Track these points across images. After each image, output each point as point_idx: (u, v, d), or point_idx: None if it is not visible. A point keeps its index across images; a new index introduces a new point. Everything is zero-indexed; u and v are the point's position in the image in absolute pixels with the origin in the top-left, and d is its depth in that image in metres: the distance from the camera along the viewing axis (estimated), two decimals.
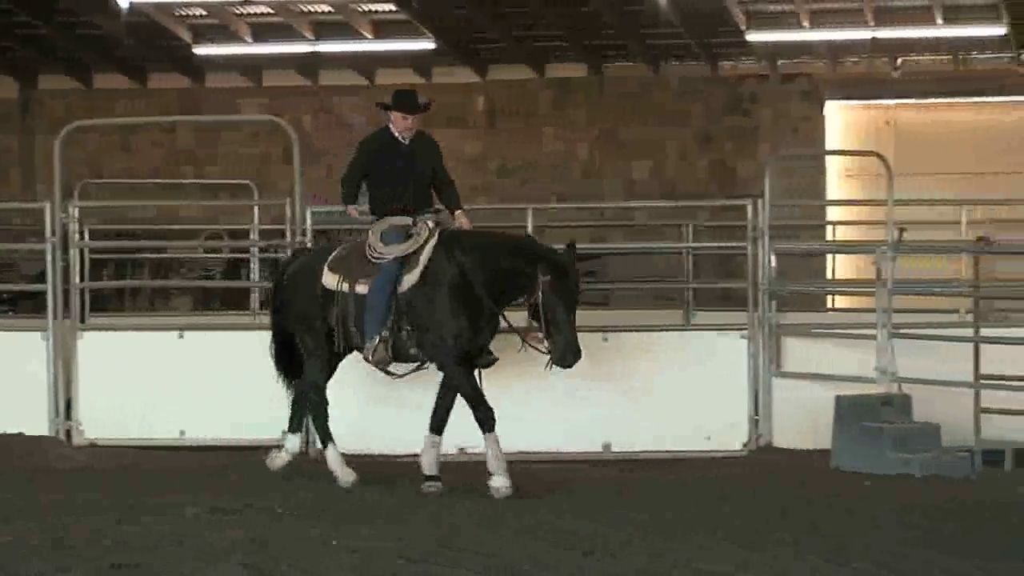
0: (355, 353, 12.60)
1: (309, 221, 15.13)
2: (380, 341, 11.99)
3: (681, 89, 26.79)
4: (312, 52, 26.56)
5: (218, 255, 25.59)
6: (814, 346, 15.16)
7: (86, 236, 17.09)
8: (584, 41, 26.07)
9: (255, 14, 25.45)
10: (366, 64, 27.45)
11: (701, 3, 23.64)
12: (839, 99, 26.18)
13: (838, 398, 13.91)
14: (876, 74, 25.96)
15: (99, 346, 15.26)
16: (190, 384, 14.83)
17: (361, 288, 12.10)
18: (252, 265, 20.41)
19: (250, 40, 26.15)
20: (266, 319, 17.72)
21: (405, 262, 12.00)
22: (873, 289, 14.75)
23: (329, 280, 12.34)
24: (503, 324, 12.05)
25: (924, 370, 13.97)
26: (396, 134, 12.40)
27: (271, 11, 25.08)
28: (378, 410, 14.34)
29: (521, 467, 12.59)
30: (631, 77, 26.93)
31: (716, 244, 20.97)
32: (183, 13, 25.53)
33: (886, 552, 9.42)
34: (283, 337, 12.97)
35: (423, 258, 11.94)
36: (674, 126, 26.68)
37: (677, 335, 15.71)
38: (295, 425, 12.76)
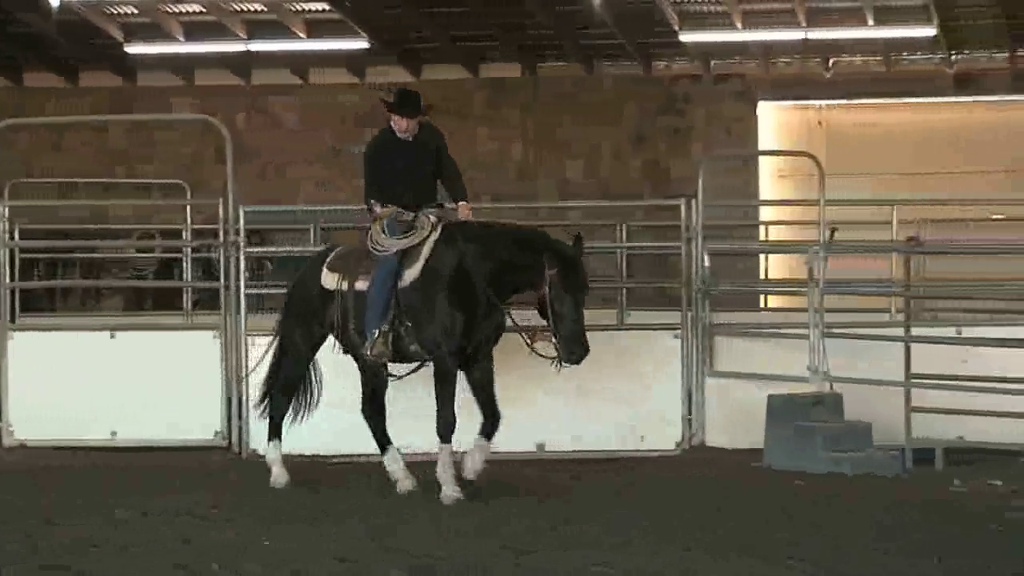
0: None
1: (242, 221, 15.04)
2: (380, 335, 11.71)
3: (615, 89, 26.85)
4: (245, 51, 26.43)
5: (150, 255, 25.46)
6: (747, 345, 15.22)
7: (16, 236, 16.97)
8: (518, 41, 26.07)
9: (187, 12, 25.31)
10: (299, 63, 27.37)
11: (634, 3, 23.69)
12: (772, 99, 26.30)
13: (770, 397, 13.98)
14: (808, 75, 26.10)
15: (29, 346, 15.14)
16: (122, 385, 14.72)
17: (361, 285, 11.88)
18: (184, 265, 20.32)
19: (182, 39, 26.01)
20: (199, 319, 17.73)
21: (406, 256, 11.77)
22: (805, 289, 14.82)
23: (328, 280, 12.13)
24: (510, 323, 11.91)
25: (855, 369, 14.06)
26: (397, 133, 12.18)
27: (203, 9, 24.96)
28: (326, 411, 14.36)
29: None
30: (565, 77, 26.96)
31: (650, 244, 21.06)
32: (115, 11, 25.36)
33: (884, 560, 9.41)
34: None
35: (424, 252, 11.73)
36: (608, 126, 26.72)
37: (611, 334, 15.70)
38: (384, 443, 12.37)
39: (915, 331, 14.21)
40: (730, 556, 9.44)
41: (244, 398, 14.47)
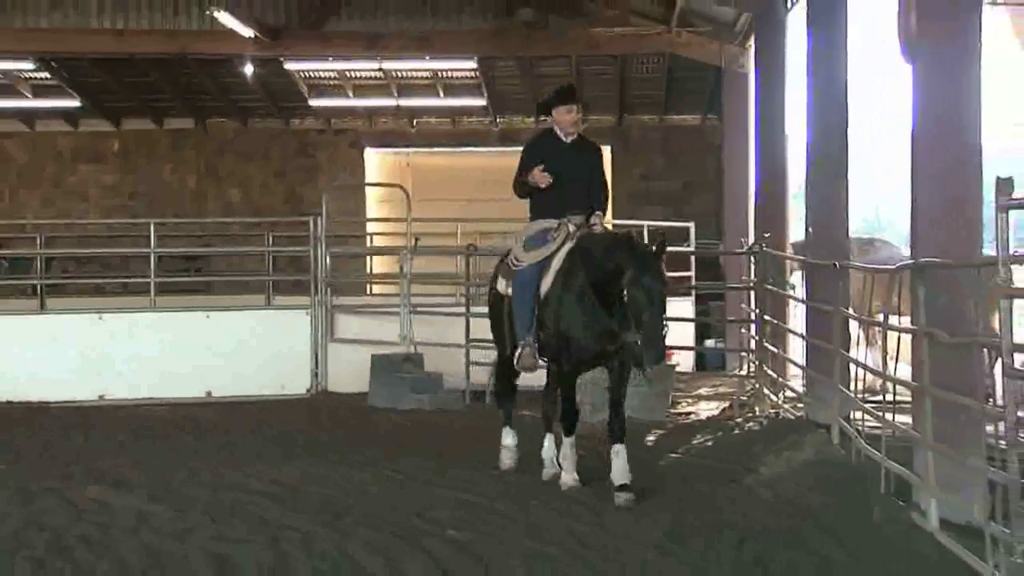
0: None
1: None
2: (525, 347, 8.90)
3: (263, 138, 26.47)
4: None
5: None
6: (358, 320, 15.33)
7: None
8: (192, 103, 25.51)
9: None
10: (27, 116, 26.02)
11: (277, 77, 23.51)
12: (375, 147, 26.37)
13: (373, 356, 14.11)
14: (400, 130, 26.25)
15: None
16: None
17: None
18: None
19: None
20: None
21: (544, 267, 8.88)
22: (398, 280, 14.99)
23: (501, 285, 9.33)
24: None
25: (432, 336, 14.31)
26: (560, 134, 9.19)
27: None
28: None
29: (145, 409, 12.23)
30: (227, 129, 26.43)
31: (289, 248, 20.86)
32: None
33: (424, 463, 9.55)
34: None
35: (555, 262, 8.79)
36: (258, 164, 26.33)
37: (262, 312, 15.60)
38: (507, 419, 9.63)
39: (473, 309, 14.54)
40: (340, 467, 9.51)
41: None
